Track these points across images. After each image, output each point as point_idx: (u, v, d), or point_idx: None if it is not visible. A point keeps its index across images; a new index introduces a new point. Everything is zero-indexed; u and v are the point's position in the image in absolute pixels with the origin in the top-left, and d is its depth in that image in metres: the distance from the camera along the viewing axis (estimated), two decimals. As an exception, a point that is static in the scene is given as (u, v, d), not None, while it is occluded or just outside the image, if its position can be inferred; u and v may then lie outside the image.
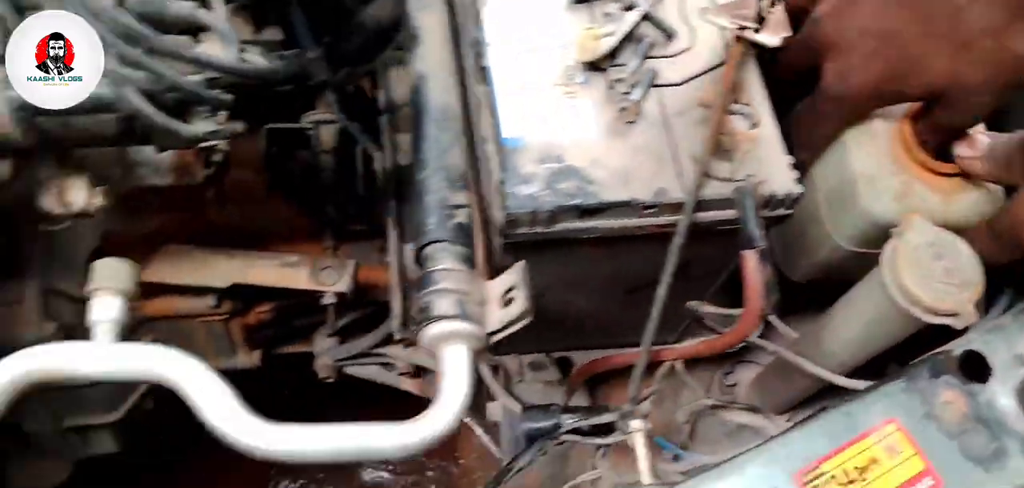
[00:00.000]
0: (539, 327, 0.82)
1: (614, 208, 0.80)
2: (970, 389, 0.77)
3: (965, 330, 0.79)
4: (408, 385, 1.70)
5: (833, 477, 0.75)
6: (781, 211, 0.84)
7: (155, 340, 1.55)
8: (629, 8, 0.84)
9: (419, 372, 1.68)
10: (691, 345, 0.99)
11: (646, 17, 0.84)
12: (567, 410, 1.02)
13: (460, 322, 0.80)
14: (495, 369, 1.32)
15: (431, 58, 0.99)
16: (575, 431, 0.98)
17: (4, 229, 1.18)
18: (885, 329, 0.84)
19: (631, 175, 0.80)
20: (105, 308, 0.77)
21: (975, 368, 0.79)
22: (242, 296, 1.45)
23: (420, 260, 0.90)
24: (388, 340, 1.60)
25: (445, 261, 0.85)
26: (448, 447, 2.05)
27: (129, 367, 0.75)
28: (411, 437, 0.77)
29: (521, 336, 0.84)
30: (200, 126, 0.91)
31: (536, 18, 0.87)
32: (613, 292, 0.99)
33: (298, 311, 1.56)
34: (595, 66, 0.84)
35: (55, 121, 0.91)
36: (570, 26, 0.86)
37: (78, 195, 1.06)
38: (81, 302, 1.38)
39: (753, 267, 0.79)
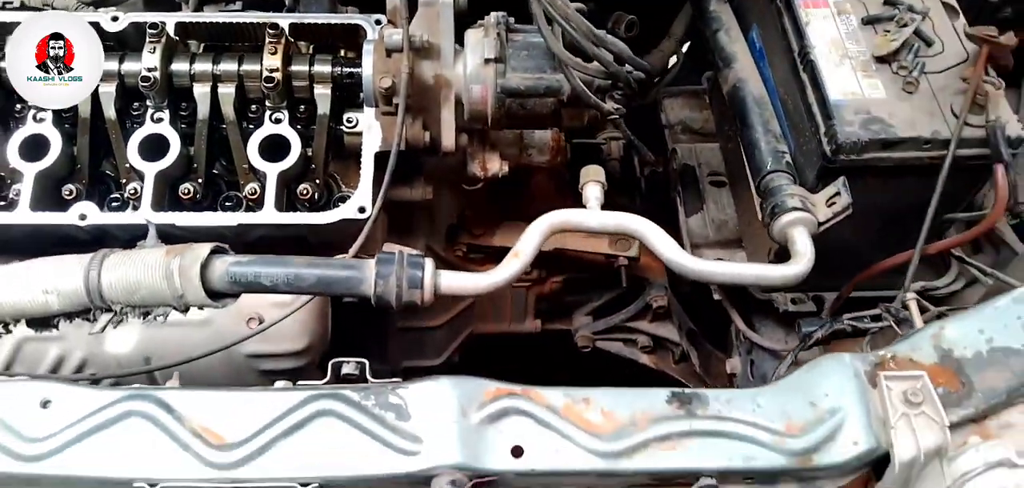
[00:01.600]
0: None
1: (905, 142, 1.25)
2: None
3: None
4: (645, 359, 2.13)
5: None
6: (1012, 151, 1.28)
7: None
8: (903, 26, 1.32)
9: (656, 348, 2.11)
10: (956, 238, 1.40)
11: (916, 31, 1.32)
12: (833, 315, 1.46)
13: (803, 212, 1.26)
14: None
15: (746, 69, 1.50)
16: (856, 320, 1.40)
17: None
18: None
19: (916, 122, 1.26)
20: (594, 190, 1.26)
21: None
22: (546, 267, 1.94)
23: (762, 188, 1.37)
24: (636, 316, 2.05)
25: (783, 181, 1.32)
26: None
27: (612, 224, 1.23)
28: (786, 273, 1.22)
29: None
30: (610, 105, 1.42)
31: (839, 32, 1.36)
32: (871, 224, 1.42)
33: (578, 286, 2.03)
34: (883, 59, 1.32)
35: (516, 102, 1.43)
36: (862, 37, 1.35)
37: (494, 164, 1.58)
38: (445, 261, 1.88)
39: (1002, 174, 1.22)
